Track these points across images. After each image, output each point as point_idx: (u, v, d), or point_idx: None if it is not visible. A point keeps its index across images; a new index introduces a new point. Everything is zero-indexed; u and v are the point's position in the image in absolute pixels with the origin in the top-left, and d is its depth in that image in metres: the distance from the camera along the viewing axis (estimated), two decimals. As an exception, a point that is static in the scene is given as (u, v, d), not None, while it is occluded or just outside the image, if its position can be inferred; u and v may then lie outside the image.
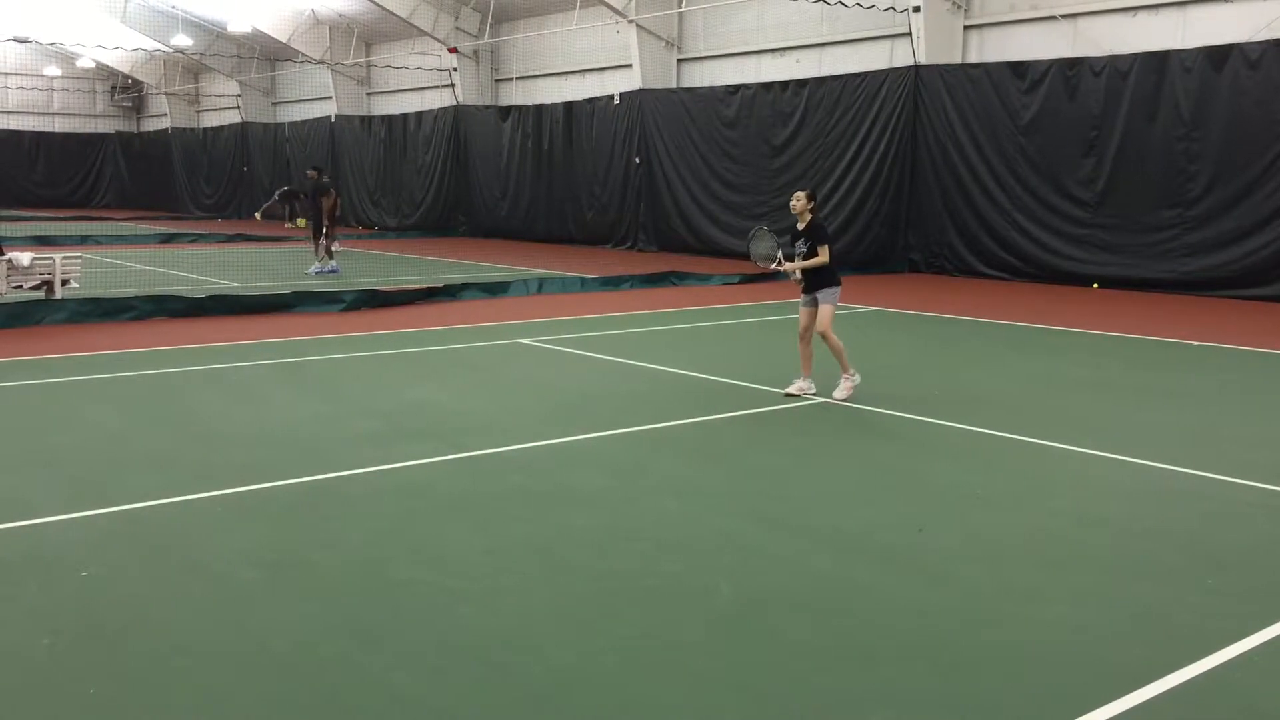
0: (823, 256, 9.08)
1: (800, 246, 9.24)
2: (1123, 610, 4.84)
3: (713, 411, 8.86)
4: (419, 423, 8.36)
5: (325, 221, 20.66)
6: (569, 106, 28.65)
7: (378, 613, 4.73)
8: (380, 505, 6.28)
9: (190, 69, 47.28)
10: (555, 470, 7.10)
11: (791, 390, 9.33)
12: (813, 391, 9.31)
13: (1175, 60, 17.33)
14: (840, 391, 9.22)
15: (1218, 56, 16.87)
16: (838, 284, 9.28)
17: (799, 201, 9.23)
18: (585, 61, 29.60)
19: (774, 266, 9.47)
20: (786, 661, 4.29)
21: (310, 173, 22.26)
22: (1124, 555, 5.58)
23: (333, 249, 20.79)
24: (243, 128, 43.24)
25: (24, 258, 14.48)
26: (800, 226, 9.25)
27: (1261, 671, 4.28)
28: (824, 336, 9.14)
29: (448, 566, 5.32)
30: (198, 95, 49.04)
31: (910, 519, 6.09)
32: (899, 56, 21.50)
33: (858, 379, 9.31)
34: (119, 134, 51.95)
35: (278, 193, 33.20)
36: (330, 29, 36.79)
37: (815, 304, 9.25)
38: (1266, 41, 16.45)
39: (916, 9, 20.26)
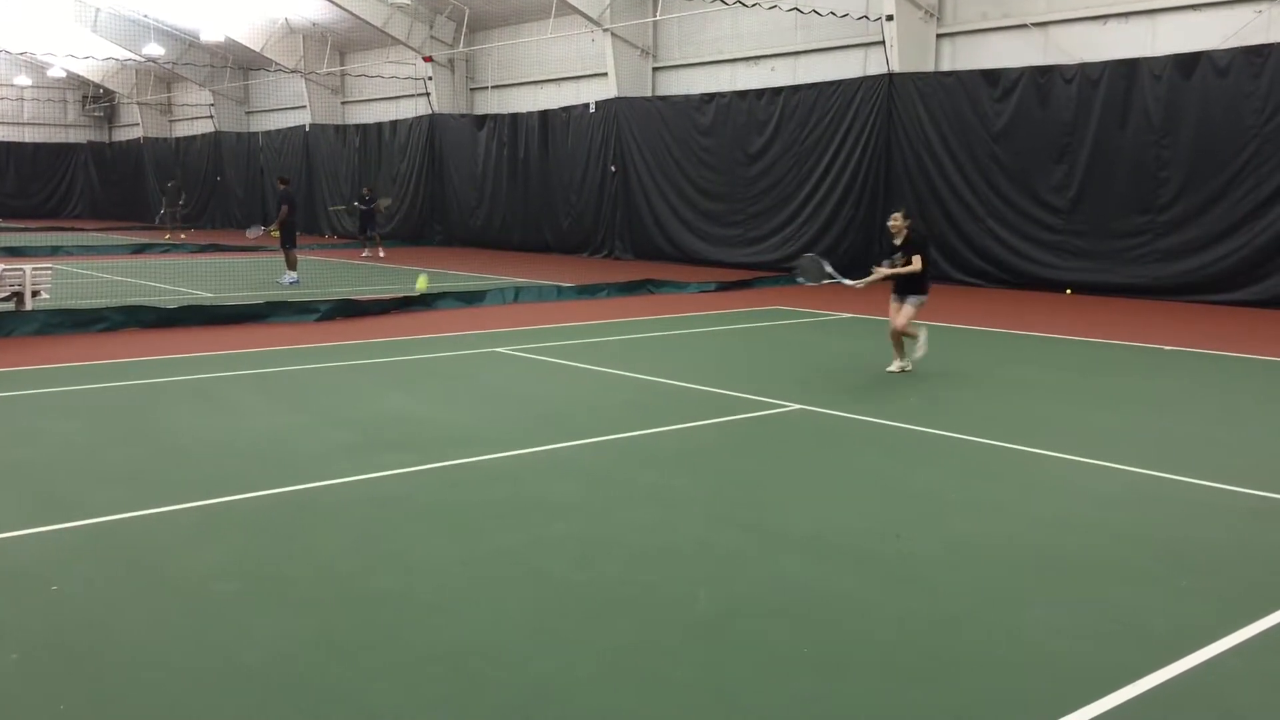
0: (914, 265, 10.56)
1: (898, 258, 10.70)
2: (1099, 614, 4.85)
3: (690, 419, 8.85)
4: (394, 433, 8.31)
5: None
6: (544, 115, 28.64)
7: (353, 625, 4.69)
8: (355, 516, 6.23)
9: (162, 78, 46.99)
10: (532, 479, 7.07)
11: (892, 369, 10.85)
12: (909, 368, 10.85)
13: (1145, 68, 17.50)
14: (919, 351, 10.95)
15: (1187, 64, 17.05)
16: (924, 294, 10.80)
17: (896, 221, 10.74)
18: (561, 70, 29.61)
19: (847, 282, 11.02)
20: (764, 669, 4.28)
21: (279, 183, 22.15)
22: (1100, 559, 5.60)
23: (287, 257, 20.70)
24: (216, 137, 43.00)
25: (-7, 269, 14.33)
26: (898, 241, 10.71)
27: (1236, 674, 4.30)
28: (902, 331, 10.77)
29: (424, 577, 5.29)
30: (170, 105, 48.74)
31: (888, 525, 6.09)
32: (873, 65, 21.61)
33: (908, 364, 10.89)
34: (90, 144, 51.56)
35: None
36: (304, 38, 36.65)
37: (903, 304, 10.80)
38: (1234, 49, 16.65)
39: (890, 18, 20.38)
